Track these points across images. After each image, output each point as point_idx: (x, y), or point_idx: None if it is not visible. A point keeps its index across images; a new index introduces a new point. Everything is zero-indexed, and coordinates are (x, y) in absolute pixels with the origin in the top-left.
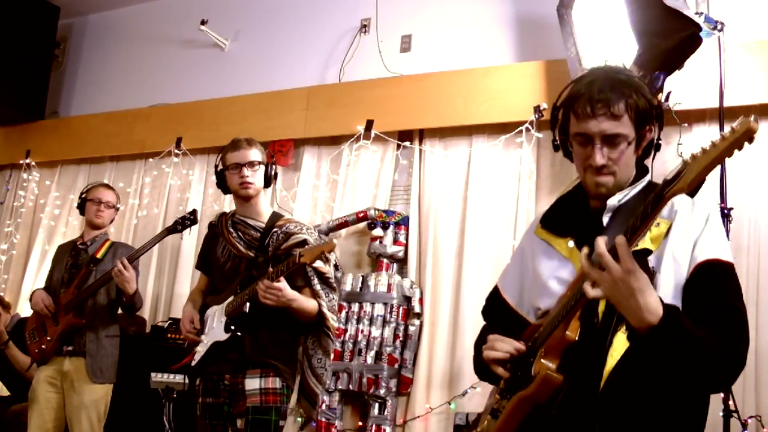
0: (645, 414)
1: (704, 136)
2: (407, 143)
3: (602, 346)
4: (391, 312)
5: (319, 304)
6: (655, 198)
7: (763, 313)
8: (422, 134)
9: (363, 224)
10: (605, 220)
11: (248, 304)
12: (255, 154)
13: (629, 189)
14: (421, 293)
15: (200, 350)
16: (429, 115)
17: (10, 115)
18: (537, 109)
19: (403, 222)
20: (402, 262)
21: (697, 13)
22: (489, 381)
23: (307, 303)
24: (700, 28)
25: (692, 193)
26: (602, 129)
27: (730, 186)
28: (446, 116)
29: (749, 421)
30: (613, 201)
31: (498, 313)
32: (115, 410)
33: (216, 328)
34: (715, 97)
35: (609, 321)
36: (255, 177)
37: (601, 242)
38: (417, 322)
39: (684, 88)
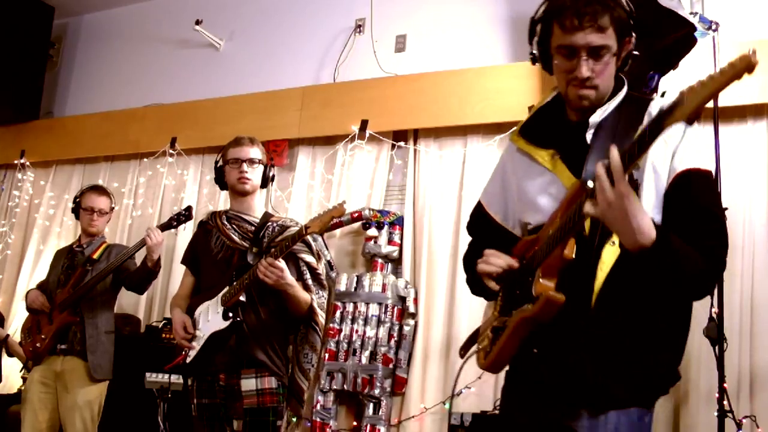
0: (635, 325)
1: (699, 129)
2: (402, 143)
3: (591, 260)
4: (385, 312)
5: (311, 298)
6: (653, 127)
7: (757, 312)
8: (417, 134)
9: (358, 224)
10: (588, 137)
11: (244, 293)
12: (256, 152)
13: (608, 104)
14: (416, 293)
15: (196, 345)
16: (424, 115)
17: (4, 115)
18: (531, 109)
19: (398, 222)
20: (397, 262)
21: (691, 13)
22: (481, 295)
23: (302, 293)
24: (694, 28)
25: (690, 123)
26: (589, 41)
27: (725, 186)
28: (441, 116)
29: (744, 421)
30: (595, 118)
31: (483, 228)
32: (109, 410)
33: (211, 320)
34: None
35: (595, 233)
36: (253, 174)
37: (601, 165)
38: (411, 322)
39: (678, 87)
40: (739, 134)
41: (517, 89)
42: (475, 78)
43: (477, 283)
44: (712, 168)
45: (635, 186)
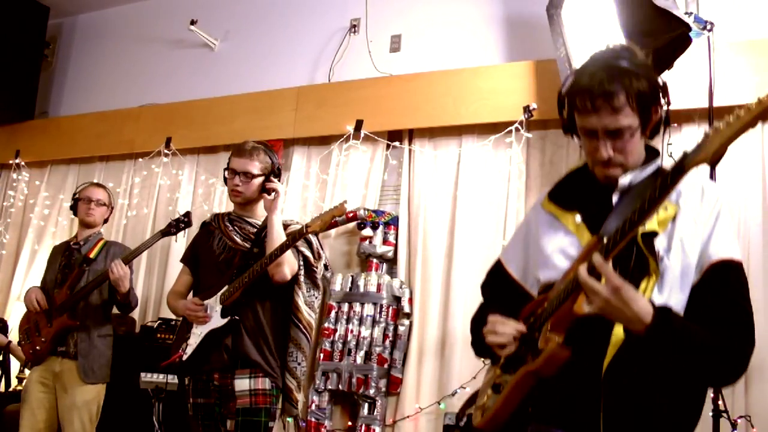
0: (648, 395)
1: (693, 136)
2: (397, 143)
3: (606, 321)
4: (380, 312)
5: (295, 293)
6: (675, 169)
7: (754, 311)
8: (412, 134)
9: (353, 224)
10: (614, 198)
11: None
12: (253, 165)
13: (640, 170)
14: (411, 293)
15: (192, 342)
16: (419, 115)
17: None
18: (526, 109)
19: (393, 222)
20: (391, 262)
21: (686, 13)
22: (488, 357)
23: (281, 236)
24: (689, 28)
25: (713, 164)
26: (605, 124)
27: (721, 186)
28: (436, 116)
29: (739, 421)
30: (624, 180)
31: (500, 287)
32: (105, 410)
33: (210, 319)
34: (704, 97)
35: None
36: (245, 187)
37: (583, 269)
38: (406, 322)
39: (673, 88)
40: None
41: (512, 89)
42: (470, 78)
43: (483, 346)
44: (740, 255)
45: (656, 256)
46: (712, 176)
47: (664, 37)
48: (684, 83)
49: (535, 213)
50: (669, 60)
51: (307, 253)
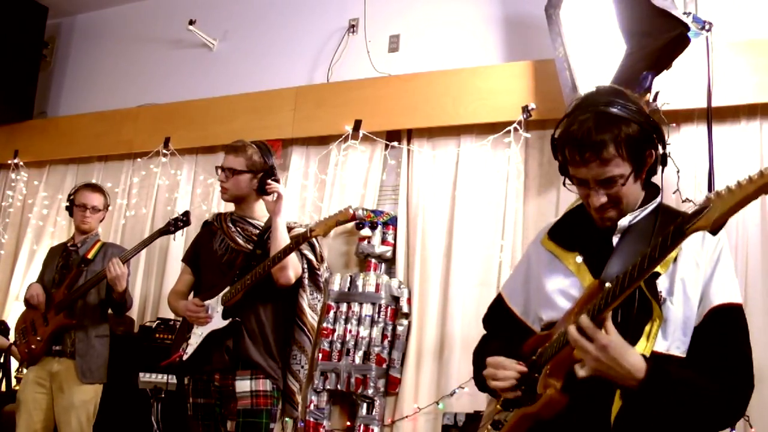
0: None
1: (692, 136)
2: (395, 143)
3: None
4: (379, 312)
5: (300, 296)
6: (675, 232)
7: (751, 314)
8: (410, 134)
9: (351, 224)
10: (615, 240)
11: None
12: (236, 162)
13: (640, 210)
14: (409, 293)
15: (193, 342)
16: (417, 115)
17: None
18: (525, 109)
19: (391, 222)
20: (390, 262)
21: (685, 13)
22: (490, 393)
23: (286, 238)
24: (688, 28)
25: (714, 232)
26: (594, 175)
27: (718, 186)
28: (434, 116)
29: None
30: (623, 222)
31: (502, 321)
32: (103, 410)
33: (211, 319)
34: (703, 97)
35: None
36: (230, 183)
37: (573, 329)
38: (405, 322)
39: (672, 88)
40: (732, 134)
41: (511, 89)
42: (469, 78)
43: (485, 384)
44: (742, 300)
45: (659, 298)
46: (710, 176)
47: (663, 37)
48: (683, 83)
49: (535, 249)
50: (668, 60)
51: (311, 256)
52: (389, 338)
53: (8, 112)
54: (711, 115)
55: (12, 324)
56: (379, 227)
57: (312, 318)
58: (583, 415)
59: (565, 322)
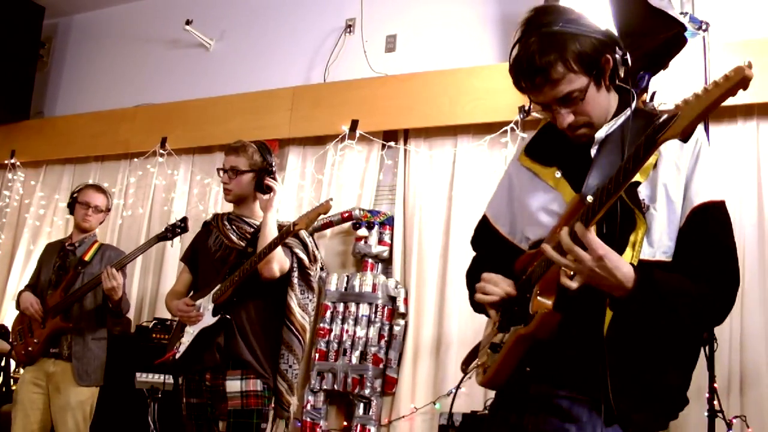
0: (647, 353)
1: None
2: (392, 143)
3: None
4: (376, 312)
5: (288, 295)
6: (647, 142)
7: (748, 312)
8: (407, 134)
9: (348, 224)
10: (593, 152)
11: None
12: (239, 162)
13: (615, 120)
14: (406, 293)
15: (185, 341)
16: (414, 115)
17: None
18: (522, 109)
19: (388, 222)
20: (387, 262)
21: (681, 13)
22: (483, 313)
23: (274, 233)
24: (684, 28)
25: (684, 139)
26: (551, 96)
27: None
28: (431, 116)
29: (734, 421)
30: (600, 134)
31: (489, 242)
32: (100, 410)
33: (203, 317)
34: None
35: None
36: (233, 183)
37: (565, 235)
38: (402, 322)
39: (669, 88)
40: (729, 134)
41: (508, 89)
42: (466, 78)
43: (479, 303)
44: (724, 193)
45: (642, 206)
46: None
47: (660, 37)
48: (679, 83)
49: (514, 168)
50: (664, 60)
51: (302, 255)
52: (386, 338)
53: (5, 112)
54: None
55: (5, 322)
56: (376, 227)
57: (302, 317)
58: (577, 330)
59: (550, 240)
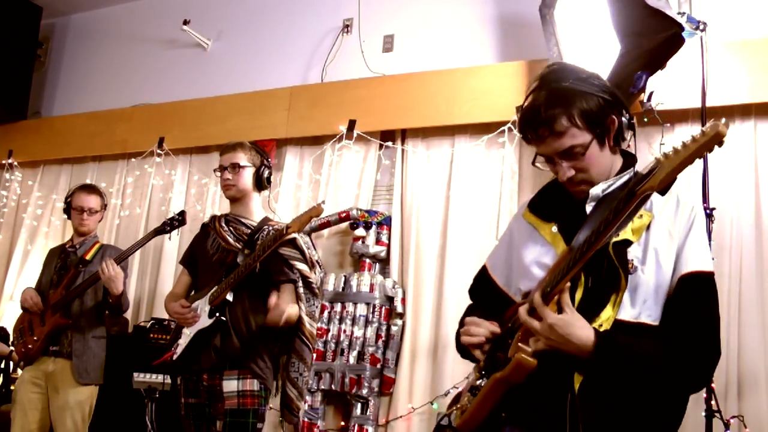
0: (624, 406)
1: (686, 136)
2: (389, 143)
3: None
4: (373, 312)
5: (299, 307)
6: (627, 194)
7: (745, 313)
8: (404, 134)
9: (345, 224)
10: (588, 209)
11: (231, 293)
12: (239, 157)
13: (615, 179)
14: (404, 293)
15: (182, 343)
16: (411, 115)
17: None
18: (519, 109)
19: (386, 222)
20: (384, 262)
21: (679, 13)
22: (470, 359)
23: (292, 311)
24: (682, 28)
25: (662, 192)
26: (553, 149)
27: (713, 186)
28: (429, 116)
29: (732, 421)
30: (596, 191)
31: (485, 292)
32: (98, 410)
33: (200, 318)
34: (697, 97)
35: (587, 306)
36: (236, 179)
37: (523, 310)
38: (399, 322)
39: (666, 88)
40: (727, 134)
41: (505, 89)
42: (463, 78)
43: (465, 350)
44: (712, 268)
45: (629, 266)
46: (704, 176)
47: (657, 37)
48: (677, 83)
49: (517, 222)
50: (662, 60)
51: (301, 266)
52: (383, 338)
53: (2, 112)
54: (705, 115)
55: (4, 322)
56: (374, 227)
57: (310, 326)
58: (551, 382)
59: (537, 289)
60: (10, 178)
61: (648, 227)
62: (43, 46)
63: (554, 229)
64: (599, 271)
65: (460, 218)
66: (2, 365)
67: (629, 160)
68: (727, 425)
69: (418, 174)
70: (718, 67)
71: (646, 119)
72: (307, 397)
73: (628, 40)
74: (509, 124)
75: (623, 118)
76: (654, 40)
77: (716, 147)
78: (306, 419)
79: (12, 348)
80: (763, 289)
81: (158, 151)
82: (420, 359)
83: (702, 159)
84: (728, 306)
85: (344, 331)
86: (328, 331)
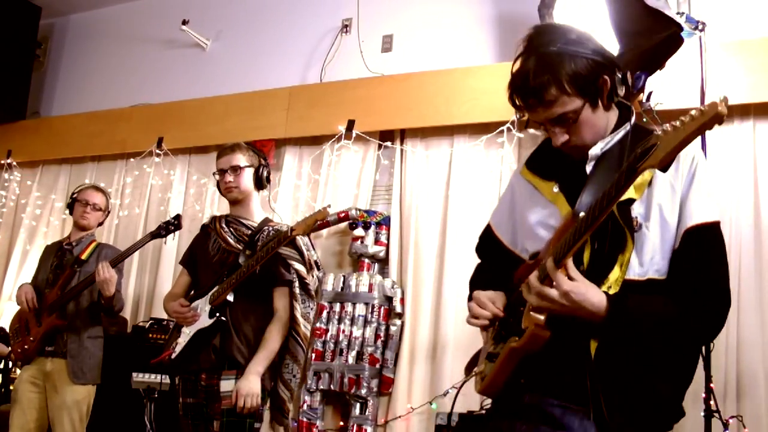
0: (639, 362)
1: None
2: (388, 143)
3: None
4: (372, 312)
5: (293, 307)
6: (628, 170)
7: (744, 313)
8: (403, 134)
9: (344, 224)
10: (588, 168)
11: (232, 293)
12: (238, 158)
13: (612, 136)
14: (403, 293)
15: (181, 342)
16: (410, 115)
17: None
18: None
19: (385, 222)
20: (383, 262)
21: (678, 13)
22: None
23: (274, 345)
24: (681, 28)
25: (663, 169)
26: (544, 117)
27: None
28: (427, 116)
29: (730, 421)
30: (595, 150)
31: (492, 251)
32: (96, 410)
33: (200, 318)
34: (696, 97)
35: (595, 268)
36: (238, 180)
37: (533, 278)
38: (398, 322)
39: (665, 88)
40: (725, 134)
41: (504, 89)
42: (462, 78)
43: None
44: (719, 214)
45: (634, 224)
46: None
47: (656, 37)
48: (676, 83)
49: (516, 180)
50: (661, 60)
51: (298, 266)
52: (382, 338)
53: (1, 112)
54: None
55: (3, 322)
56: (372, 227)
57: (305, 327)
58: (568, 347)
59: (546, 252)
60: (8, 178)
61: (650, 183)
62: (42, 46)
63: (555, 189)
64: (605, 232)
65: (459, 218)
66: (1, 365)
67: (624, 112)
68: (725, 425)
69: (417, 174)
70: (717, 67)
71: (645, 119)
72: (306, 397)
73: (627, 39)
74: (508, 124)
75: (616, 76)
76: (653, 40)
77: (716, 125)
78: (305, 419)
79: (10, 349)
80: (761, 288)
81: (157, 151)
82: (419, 359)
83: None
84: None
85: (343, 331)
86: (327, 331)
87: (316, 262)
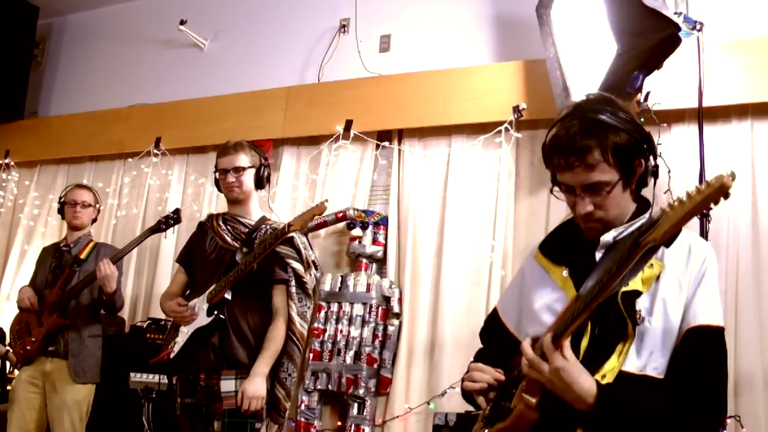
0: None
1: (683, 136)
2: (386, 143)
3: None
4: (370, 312)
5: (289, 306)
6: (631, 245)
7: (741, 313)
8: (401, 134)
9: (342, 224)
10: (598, 255)
11: (230, 291)
12: (241, 159)
13: (627, 226)
14: (400, 293)
15: (180, 341)
16: (408, 115)
17: None
18: (516, 109)
19: (382, 222)
20: (381, 262)
21: (676, 13)
22: (473, 406)
23: (277, 345)
24: (679, 28)
25: (667, 244)
26: (580, 180)
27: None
28: (425, 116)
29: (728, 421)
30: (607, 237)
31: (496, 335)
32: (95, 410)
33: (198, 317)
34: (694, 97)
35: (591, 358)
36: (240, 181)
37: (527, 345)
38: (396, 322)
39: (663, 88)
40: (723, 134)
41: (502, 89)
42: (460, 78)
43: (470, 395)
44: (724, 320)
45: (637, 317)
46: (701, 176)
47: (654, 37)
48: (673, 83)
49: (529, 264)
50: (659, 60)
51: (295, 264)
52: (380, 338)
53: None
54: (702, 115)
55: (6, 325)
56: (370, 227)
57: (301, 326)
58: (551, 428)
59: (548, 333)
60: (6, 178)
61: (658, 278)
62: (39, 46)
63: (565, 273)
64: (606, 320)
65: (456, 218)
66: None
67: (642, 206)
68: (724, 425)
69: (414, 174)
70: (715, 67)
71: (642, 119)
72: (304, 397)
73: (625, 40)
74: (506, 124)
75: (650, 163)
76: (651, 40)
77: (722, 199)
78: (303, 419)
79: (9, 348)
80: (759, 288)
81: (155, 151)
82: (417, 359)
83: (699, 159)
84: (724, 305)
85: (341, 331)
86: (324, 331)
87: (313, 262)
